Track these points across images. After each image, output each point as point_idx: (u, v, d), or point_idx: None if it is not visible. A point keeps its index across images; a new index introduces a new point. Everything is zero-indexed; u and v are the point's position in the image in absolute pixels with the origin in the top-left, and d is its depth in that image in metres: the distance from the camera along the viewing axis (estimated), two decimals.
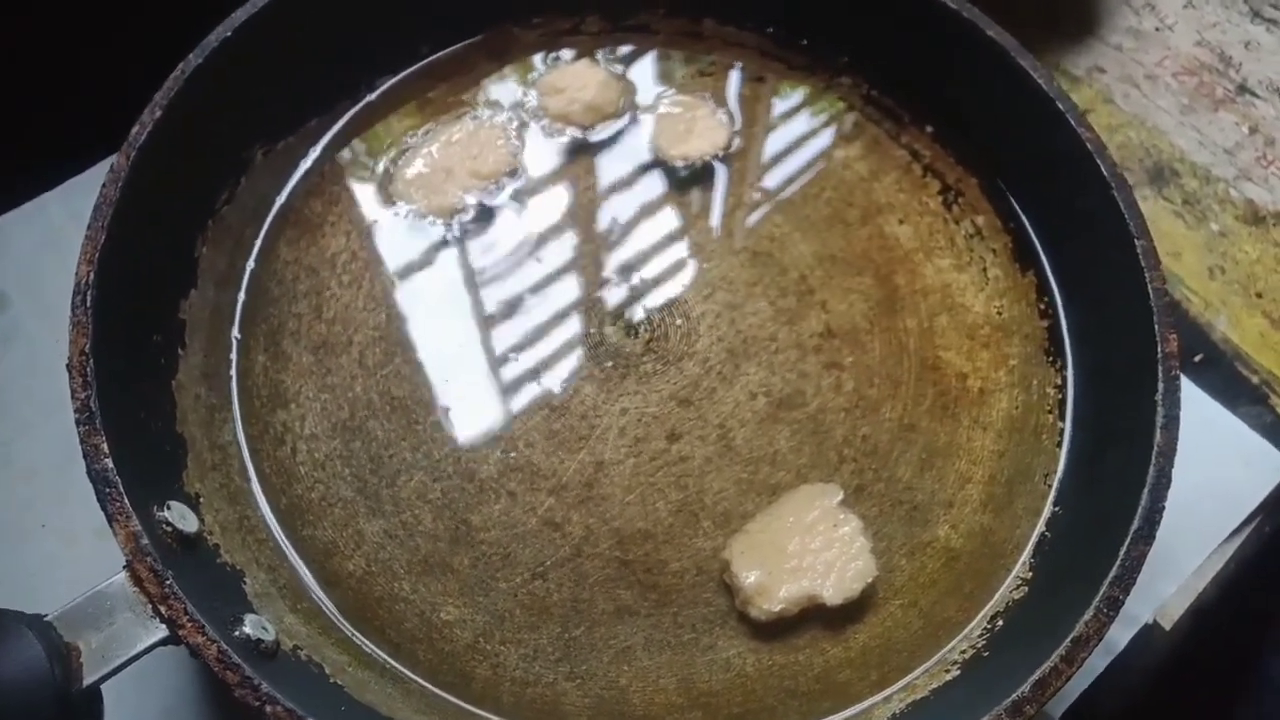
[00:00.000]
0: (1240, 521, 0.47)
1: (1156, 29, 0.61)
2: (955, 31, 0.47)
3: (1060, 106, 0.45)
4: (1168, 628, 0.46)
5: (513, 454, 0.43)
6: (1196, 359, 0.51)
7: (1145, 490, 0.38)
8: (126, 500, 0.34)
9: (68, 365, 0.36)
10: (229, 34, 0.43)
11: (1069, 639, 0.35)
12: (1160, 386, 0.40)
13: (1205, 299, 0.53)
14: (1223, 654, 0.55)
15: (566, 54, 0.52)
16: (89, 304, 0.37)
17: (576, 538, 0.42)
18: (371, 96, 0.50)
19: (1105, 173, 0.43)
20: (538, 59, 0.52)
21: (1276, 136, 0.57)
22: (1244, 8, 0.61)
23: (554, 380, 0.45)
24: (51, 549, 0.45)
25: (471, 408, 0.44)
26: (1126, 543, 0.37)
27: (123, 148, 0.40)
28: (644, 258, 0.48)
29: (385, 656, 0.39)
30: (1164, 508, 0.38)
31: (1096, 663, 0.44)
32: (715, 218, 0.49)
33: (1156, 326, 0.41)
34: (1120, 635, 0.45)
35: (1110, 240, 0.43)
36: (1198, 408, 0.48)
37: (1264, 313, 0.53)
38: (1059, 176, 0.46)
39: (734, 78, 0.52)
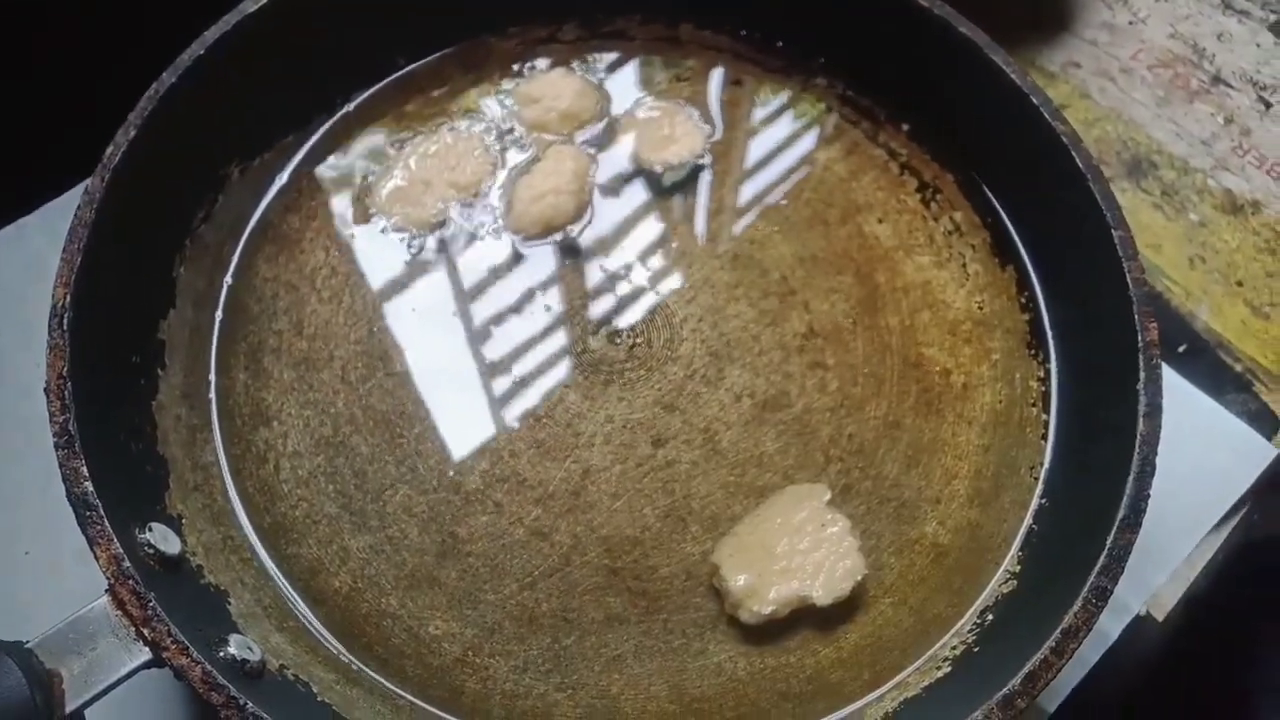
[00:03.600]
0: (1228, 509, 0.47)
1: (1130, 23, 0.61)
2: (927, 29, 0.47)
3: (1034, 100, 0.45)
4: (1160, 619, 0.46)
5: (498, 465, 0.43)
6: (1180, 349, 0.51)
7: (1130, 479, 0.38)
8: (107, 523, 0.34)
9: (45, 389, 0.36)
10: (202, 52, 0.43)
11: (1058, 631, 0.35)
12: (1142, 375, 0.40)
13: (1186, 289, 0.53)
14: (1215, 644, 0.55)
15: (542, 63, 0.52)
16: (65, 327, 0.37)
17: (565, 547, 0.41)
18: (347, 109, 0.50)
19: (1081, 165, 0.43)
20: (514, 68, 0.52)
21: (1252, 126, 0.58)
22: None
23: (538, 389, 0.45)
24: (35, 575, 0.44)
25: (455, 420, 0.44)
26: (1113, 532, 0.37)
27: (97, 169, 0.40)
28: (624, 264, 0.48)
29: (373, 673, 0.39)
30: (1149, 495, 0.38)
31: (1089, 655, 0.44)
32: (695, 222, 0.49)
33: (1136, 316, 0.41)
34: (1112, 627, 0.45)
35: (1088, 232, 0.43)
36: (1182, 397, 0.49)
37: (1245, 301, 0.53)
38: (1036, 170, 0.46)
39: (711, 82, 0.52)
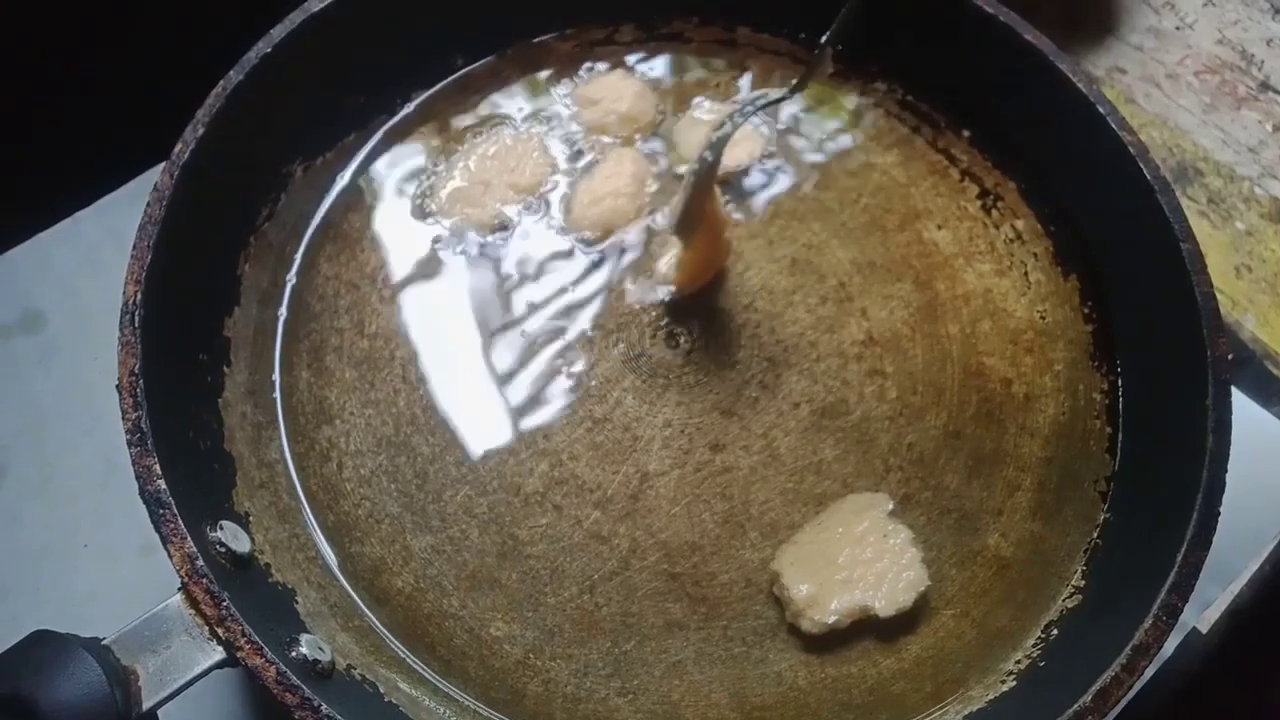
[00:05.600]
0: None
1: (1177, 28, 0.61)
2: (991, 36, 0.47)
3: (1101, 110, 0.45)
4: (1205, 631, 0.46)
5: (557, 468, 0.43)
6: (1230, 363, 0.51)
7: (1199, 496, 0.37)
8: (180, 521, 0.34)
9: (117, 386, 0.36)
10: (269, 50, 0.43)
11: (1129, 647, 0.35)
12: (1210, 391, 0.39)
13: (1233, 298, 0.53)
14: (1260, 656, 0.54)
15: (601, 65, 0.52)
16: (137, 324, 0.37)
17: (624, 550, 0.41)
18: (407, 110, 0.50)
19: (1148, 176, 0.43)
20: (573, 70, 0.52)
21: None
22: (1264, 5, 0.61)
23: (596, 392, 0.45)
24: (95, 569, 0.45)
25: (515, 421, 0.44)
26: (1183, 549, 0.37)
27: (165, 165, 0.40)
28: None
29: (436, 674, 0.39)
30: (1219, 513, 0.37)
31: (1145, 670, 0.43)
32: (753, 226, 0.49)
33: (1205, 330, 0.40)
34: (1169, 641, 0.44)
35: (1154, 244, 0.43)
36: (1235, 408, 0.48)
37: None
38: (1100, 180, 0.45)
39: (769, 85, 0.52)
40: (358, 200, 0.48)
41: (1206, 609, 0.46)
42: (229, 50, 0.43)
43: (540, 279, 0.47)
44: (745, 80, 0.52)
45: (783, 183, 0.50)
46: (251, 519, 0.39)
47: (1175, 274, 0.42)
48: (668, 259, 0.47)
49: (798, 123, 0.51)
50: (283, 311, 0.45)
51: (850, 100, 0.52)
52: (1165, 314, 0.43)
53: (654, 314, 0.46)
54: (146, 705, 0.32)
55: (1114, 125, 0.44)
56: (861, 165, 0.50)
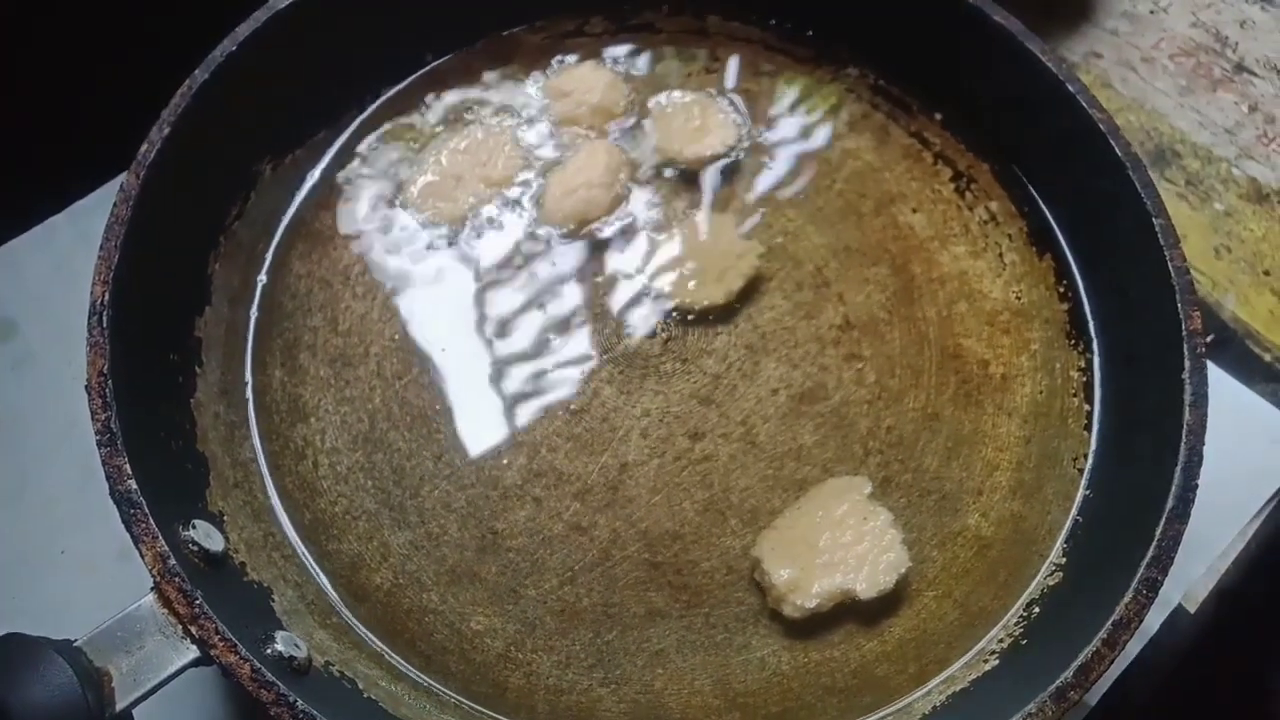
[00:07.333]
0: (1269, 498, 0.47)
1: (1151, 11, 0.61)
2: (961, 17, 0.47)
3: (1071, 89, 0.45)
4: (1193, 611, 0.46)
5: (535, 460, 0.43)
6: (1208, 339, 0.51)
7: (1178, 469, 0.37)
8: (152, 521, 0.34)
9: (86, 386, 0.36)
10: (234, 49, 0.43)
11: (1110, 622, 0.35)
12: (1186, 364, 0.39)
13: (1213, 279, 0.53)
14: (1248, 636, 0.54)
15: (571, 57, 0.52)
16: (105, 324, 0.37)
17: (604, 541, 0.41)
18: (376, 106, 0.50)
19: (1120, 153, 0.43)
20: (543, 63, 0.51)
21: (1276, 114, 0.57)
22: None
23: (573, 384, 0.44)
24: (72, 574, 0.44)
25: (492, 414, 0.44)
26: (1162, 523, 0.37)
27: (132, 166, 0.40)
28: (657, 258, 0.47)
29: (417, 670, 0.39)
30: (1197, 486, 0.37)
31: (1130, 648, 0.43)
32: (728, 214, 0.49)
33: (1179, 304, 0.40)
34: (1152, 619, 0.44)
35: (1128, 220, 0.43)
36: (1215, 386, 0.48)
37: (1272, 290, 0.52)
38: (1072, 159, 0.46)
39: (740, 73, 0.52)
40: (328, 197, 0.48)
41: (1188, 589, 0.46)
42: (200, 51, 0.43)
43: (514, 272, 0.47)
44: (718, 69, 0.52)
45: (756, 170, 0.50)
46: (226, 518, 0.39)
47: (1149, 249, 0.42)
48: (643, 250, 0.47)
49: (770, 109, 0.51)
50: (254, 310, 0.45)
51: (822, 86, 0.52)
52: (1140, 290, 0.43)
53: (630, 304, 0.46)
54: (120, 705, 0.32)
55: (1084, 103, 0.44)
56: (836, 150, 0.50)
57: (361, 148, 0.49)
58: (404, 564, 0.40)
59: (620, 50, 0.52)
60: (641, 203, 0.49)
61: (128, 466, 0.34)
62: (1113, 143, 0.43)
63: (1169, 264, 0.41)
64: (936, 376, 0.45)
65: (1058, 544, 0.41)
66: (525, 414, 0.44)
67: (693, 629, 0.40)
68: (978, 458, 0.43)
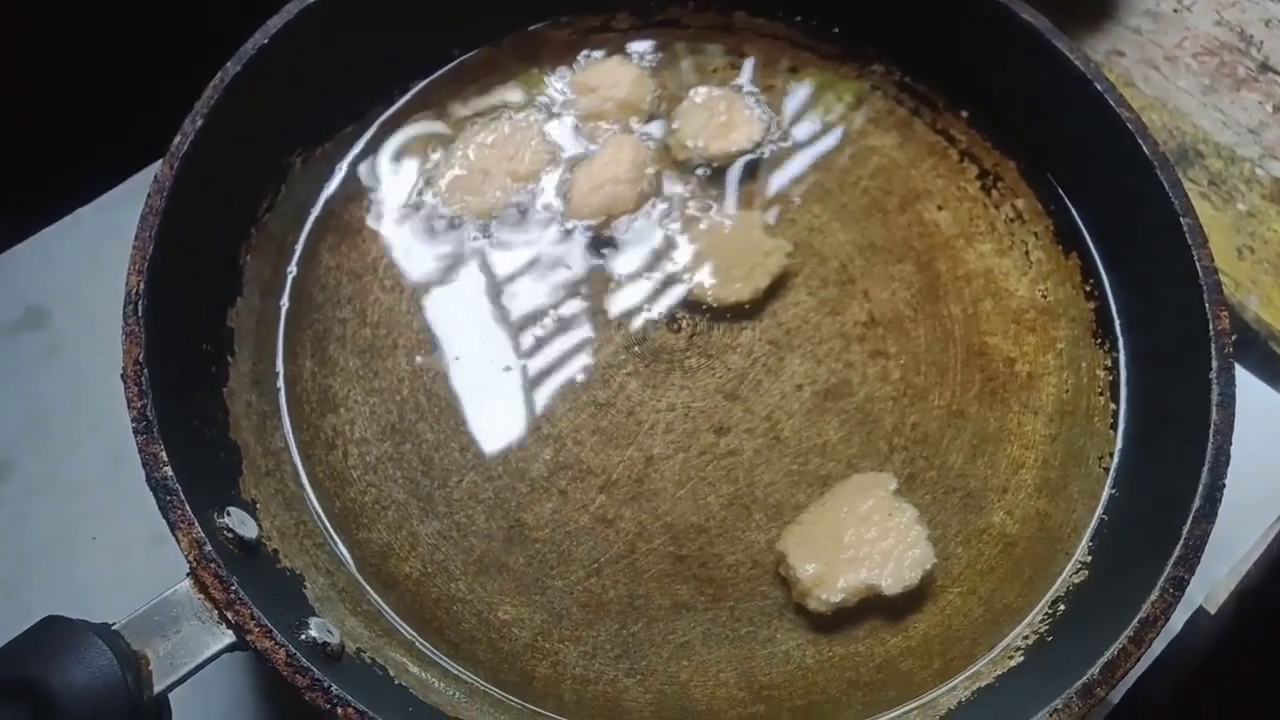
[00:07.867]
0: None
1: (1175, 10, 0.61)
2: (988, 15, 0.47)
3: (1099, 87, 0.45)
4: (1213, 611, 0.46)
5: (562, 452, 0.43)
6: (1232, 339, 0.51)
7: (1205, 468, 0.37)
8: (188, 507, 0.34)
9: (122, 375, 0.36)
10: (265, 41, 0.43)
11: (1136, 620, 0.35)
12: (1214, 364, 0.39)
13: (1235, 279, 0.53)
14: (1269, 638, 0.54)
15: (598, 52, 0.52)
16: (140, 313, 0.37)
17: (630, 534, 0.41)
18: (404, 100, 0.50)
19: (1147, 152, 0.43)
20: (569, 58, 0.52)
21: None
22: None
23: (599, 377, 0.45)
24: (104, 561, 0.45)
25: (518, 407, 0.44)
26: (1189, 522, 0.37)
27: (166, 157, 0.40)
28: (683, 253, 0.48)
29: (445, 657, 0.39)
30: (1224, 485, 0.37)
31: (1154, 647, 0.43)
32: (754, 210, 0.49)
33: (1207, 304, 0.40)
34: (1176, 618, 0.44)
35: (1155, 219, 0.43)
36: (1238, 387, 0.48)
37: None
38: (1099, 157, 0.45)
39: (766, 69, 0.52)
40: (358, 190, 0.48)
41: (1213, 587, 0.46)
42: (228, 43, 0.43)
43: (541, 266, 0.47)
44: (744, 65, 0.52)
45: (782, 166, 0.50)
46: (258, 506, 0.40)
47: (1177, 249, 0.42)
48: (669, 245, 0.47)
49: (795, 105, 0.51)
50: (285, 301, 0.45)
51: (848, 83, 0.52)
52: (1167, 289, 0.43)
53: (655, 299, 0.47)
54: (158, 688, 0.32)
55: (1112, 102, 0.44)
56: (861, 147, 0.50)
57: (390, 142, 0.49)
58: (432, 553, 0.41)
59: (646, 46, 0.52)
60: (667, 198, 0.49)
61: (164, 454, 0.35)
62: (1140, 142, 0.43)
63: (1197, 264, 0.41)
64: (962, 374, 0.45)
65: (1083, 542, 0.41)
66: (551, 407, 0.44)
67: (718, 622, 0.40)
68: (1003, 455, 0.43)
